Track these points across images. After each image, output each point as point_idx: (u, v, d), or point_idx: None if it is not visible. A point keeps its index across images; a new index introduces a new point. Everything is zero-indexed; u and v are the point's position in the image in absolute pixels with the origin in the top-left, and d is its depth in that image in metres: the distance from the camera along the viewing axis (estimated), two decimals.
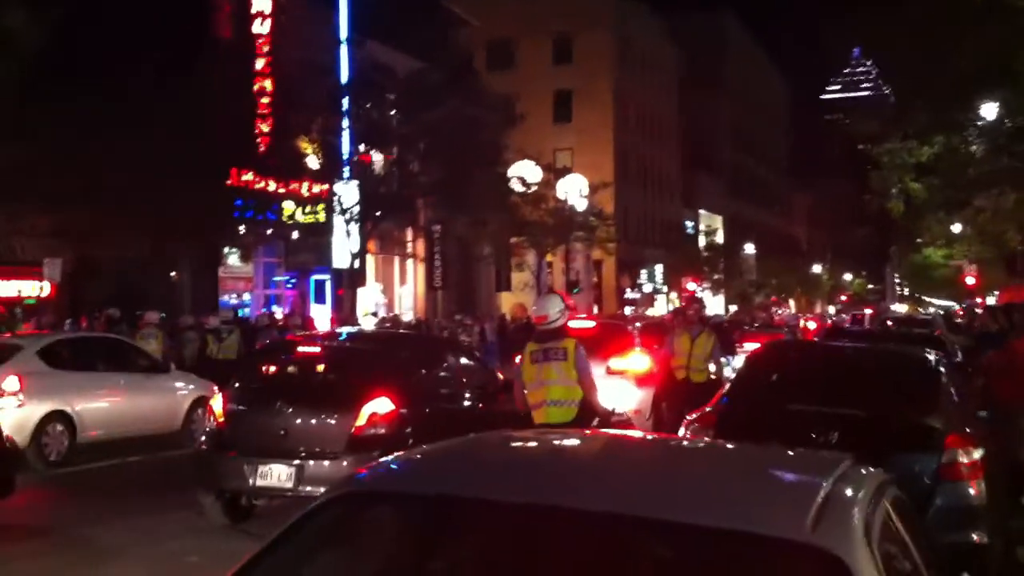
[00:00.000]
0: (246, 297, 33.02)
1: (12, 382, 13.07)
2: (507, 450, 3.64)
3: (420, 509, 3.02)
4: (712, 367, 12.44)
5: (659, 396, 12.92)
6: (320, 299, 34.50)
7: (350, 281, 32.22)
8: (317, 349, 11.10)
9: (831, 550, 2.55)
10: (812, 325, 40.05)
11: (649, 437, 4.84)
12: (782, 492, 3.06)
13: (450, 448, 3.50)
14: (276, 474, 9.02)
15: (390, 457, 3.45)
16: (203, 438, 10.03)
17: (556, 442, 3.99)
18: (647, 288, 62.64)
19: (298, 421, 9.31)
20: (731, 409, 7.82)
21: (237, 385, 10.22)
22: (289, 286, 34.91)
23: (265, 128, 30.08)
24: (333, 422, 9.23)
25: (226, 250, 31.44)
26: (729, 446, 4.35)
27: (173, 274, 30.35)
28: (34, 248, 24.93)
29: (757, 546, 2.66)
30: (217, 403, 9.96)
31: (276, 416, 9.30)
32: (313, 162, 31.11)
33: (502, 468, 3.27)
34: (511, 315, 36.43)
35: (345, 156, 31.39)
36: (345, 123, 30.91)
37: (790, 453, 3.83)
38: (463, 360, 11.67)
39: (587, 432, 6.46)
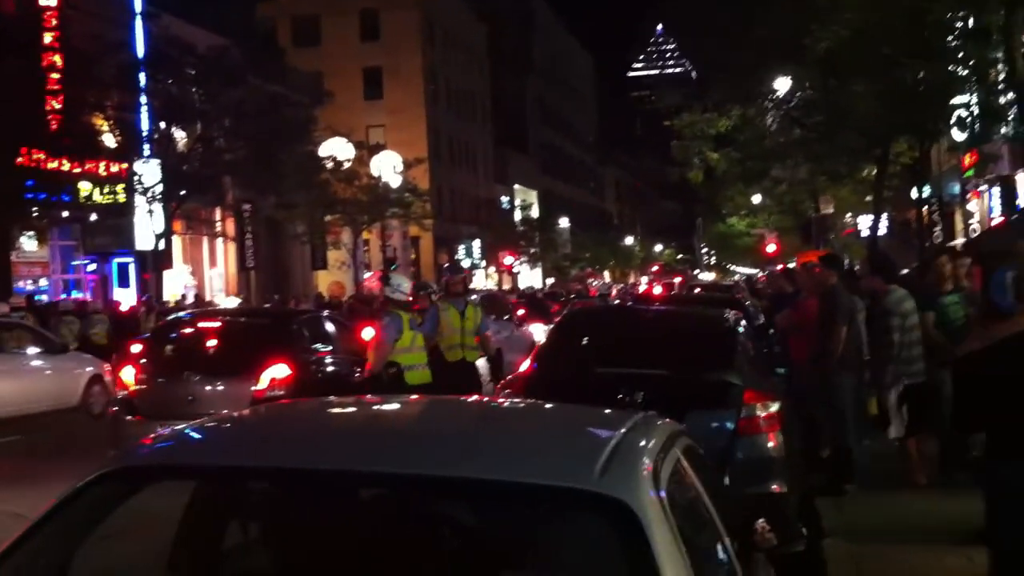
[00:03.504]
0: (43, 283, 31.36)
1: None
2: (298, 417, 3.52)
3: (195, 481, 2.88)
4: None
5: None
6: (124, 283, 33.12)
7: (155, 263, 31.04)
8: (217, 323, 12.47)
9: (617, 496, 2.57)
10: (659, 290, 40.87)
11: (454, 399, 4.78)
12: (573, 444, 3.08)
13: (232, 419, 3.36)
14: None
15: (168, 430, 3.26)
16: (114, 407, 11.24)
17: (355, 408, 3.88)
18: (465, 263, 62.99)
19: (205, 388, 10.56)
20: (539, 374, 7.87)
21: (145, 359, 11.32)
22: (89, 270, 33.37)
23: (56, 105, 28.55)
24: (236, 387, 10.32)
25: (18, 233, 29.80)
26: (530, 405, 4.35)
27: None
28: None
29: (548, 497, 2.69)
30: (127, 374, 11.07)
31: (183, 384, 10.51)
32: (110, 140, 29.79)
33: (285, 436, 3.15)
34: (328, 293, 35.91)
35: (144, 134, 30.16)
36: (143, 99, 29.68)
37: (588, 410, 3.84)
38: (339, 330, 12.86)
39: (403, 399, 6.38)
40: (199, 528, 3.31)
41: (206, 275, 39.42)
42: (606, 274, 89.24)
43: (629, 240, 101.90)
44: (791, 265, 18.10)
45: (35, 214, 29.26)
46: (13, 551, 2.79)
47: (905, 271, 19.37)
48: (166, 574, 3.35)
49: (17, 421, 14.90)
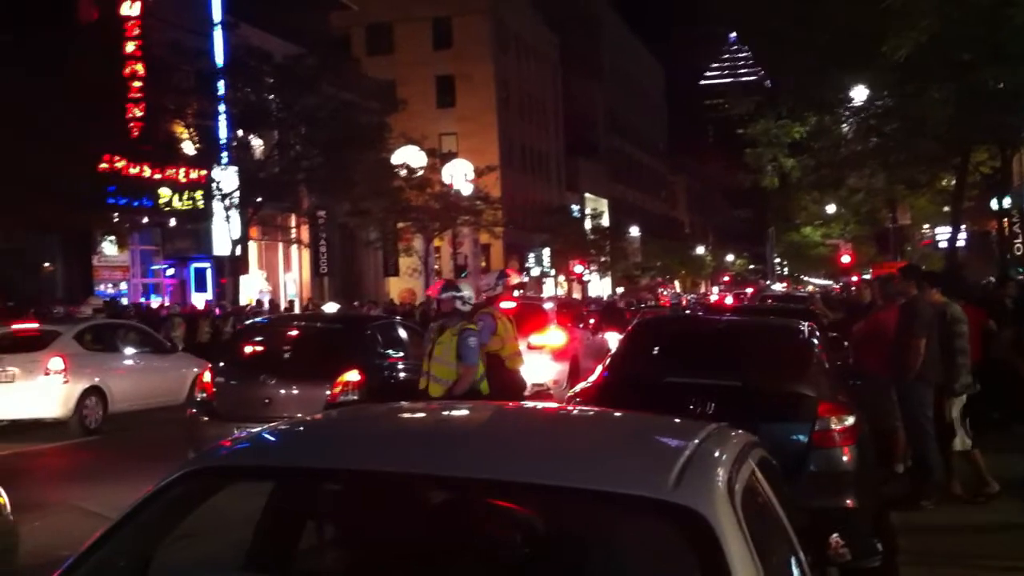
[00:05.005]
0: (123, 286, 32.09)
1: (57, 362, 15.31)
2: (370, 420, 3.57)
3: (271, 482, 2.94)
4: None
5: None
6: (201, 287, 33.74)
7: (232, 268, 31.58)
8: (293, 328, 13.15)
9: (692, 507, 2.56)
10: (730, 300, 40.44)
11: (525, 406, 4.80)
12: (648, 453, 3.07)
13: (307, 422, 3.41)
14: None
15: (246, 432, 3.32)
16: (193, 408, 11.35)
17: (426, 412, 3.92)
18: (535, 271, 62.99)
19: (280, 391, 10.73)
20: (610, 383, 7.84)
21: (222, 362, 11.77)
22: (168, 274, 34.06)
23: (138, 112, 29.23)
24: (310, 391, 10.51)
25: (100, 238, 30.55)
26: (602, 413, 4.35)
27: (46, 264, 29.47)
28: None
29: (621, 505, 2.68)
30: (206, 376, 11.41)
31: (259, 387, 10.71)
32: (189, 148, 30.41)
33: (359, 438, 3.19)
34: (399, 300, 36.19)
35: (222, 141, 30.71)
36: (221, 107, 30.24)
37: (661, 419, 3.83)
38: (411, 336, 12.88)
39: (475, 404, 6.42)
40: (275, 528, 3.37)
41: (280, 280, 39.98)
42: (676, 283, 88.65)
43: (700, 249, 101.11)
44: (867, 276, 17.83)
45: (116, 219, 29.94)
46: (95, 549, 2.85)
47: (983, 282, 18.97)
48: (243, 574, 3.41)
49: (130, 416, 16.11)
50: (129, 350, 17.37)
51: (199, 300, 31.54)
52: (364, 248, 42.96)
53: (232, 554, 3.58)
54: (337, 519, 3.29)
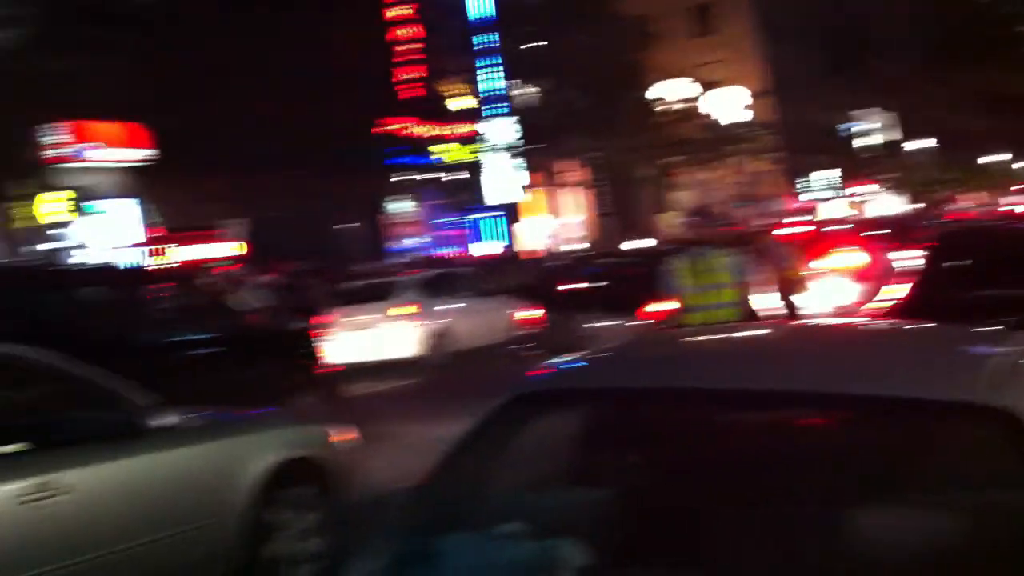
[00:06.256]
0: (412, 242, 33.70)
1: (411, 308, 17.43)
2: (685, 341, 3.65)
3: (601, 404, 3.07)
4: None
5: None
6: (487, 236, 34.89)
7: (515, 215, 32.51)
8: (598, 267, 16.17)
9: (1007, 409, 2.52)
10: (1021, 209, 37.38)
11: (829, 321, 4.74)
12: (958, 359, 3.02)
13: (628, 345, 3.53)
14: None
15: (567, 357, 3.48)
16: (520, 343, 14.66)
17: (737, 331, 3.97)
18: (819, 194, 60.97)
19: (596, 324, 12.29)
20: (915, 298, 7.57)
21: (542, 301, 13.86)
22: (454, 226, 35.40)
23: (411, 73, 30.39)
24: (621, 322, 11.57)
25: (385, 198, 32.13)
26: (907, 325, 4.26)
27: (337, 225, 31.28)
28: (210, 213, 26.12)
29: (933, 412, 2.65)
30: (530, 313, 15.21)
31: (578, 321, 12.19)
32: (465, 102, 31.35)
33: (676, 358, 3.28)
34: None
35: (496, 92, 31.47)
36: (493, 60, 30.93)
37: (969, 329, 3.72)
38: None
39: (770, 322, 6.42)
40: (595, 450, 3.50)
41: (562, 223, 40.72)
42: (970, 196, 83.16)
43: (991, 158, 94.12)
44: None
45: (398, 178, 31.36)
46: (435, 476, 3.06)
47: None
48: (566, 495, 3.56)
49: (467, 354, 17.53)
50: (462, 294, 18.98)
51: (486, 248, 32.66)
52: (635, 186, 42.98)
53: (553, 478, 3.75)
54: (656, 441, 3.39)
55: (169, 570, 5.47)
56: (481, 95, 31.50)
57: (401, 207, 33.21)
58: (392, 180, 31.60)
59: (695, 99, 41.83)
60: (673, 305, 10.41)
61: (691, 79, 42.99)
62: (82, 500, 4.98)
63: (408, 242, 33.08)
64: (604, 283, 12.95)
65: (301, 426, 6.72)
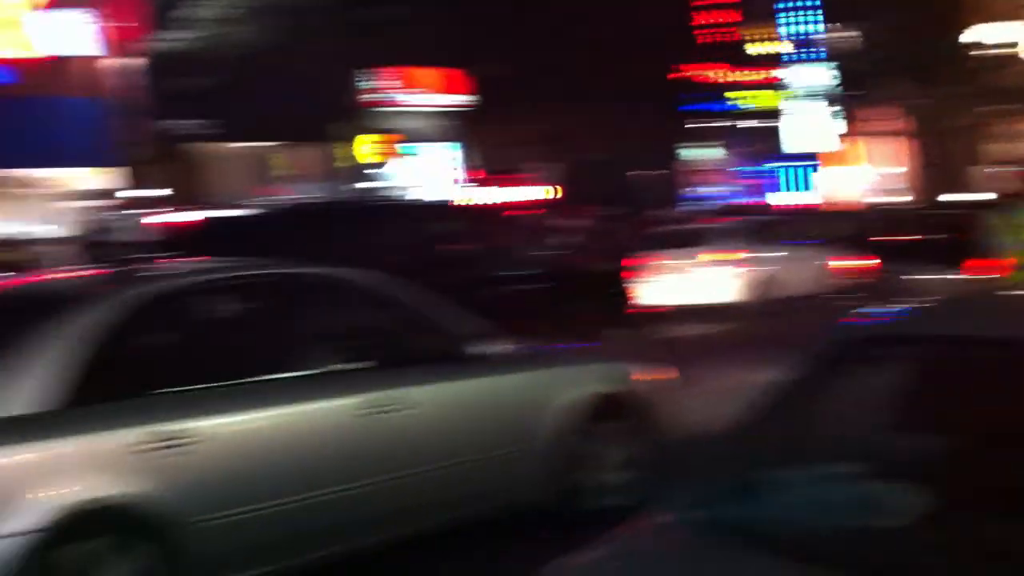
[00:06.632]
0: (707, 190, 33.36)
1: (742, 254, 17.94)
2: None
3: (938, 351, 3.08)
4: None
5: None
6: (788, 186, 34.04)
7: (829, 164, 31.49)
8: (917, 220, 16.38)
9: None
10: None
11: None
12: None
13: (960, 296, 3.49)
14: None
15: (889, 307, 3.49)
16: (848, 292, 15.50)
17: None
18: None
19: (920, 275, 12.59)
20: None
21: (868, 251, 15.53)
22: (753, 175, 34.72)
23: (715, 19, 29.94)
24: (946, 274, 11.68)
25: (679, 144, 31.92)
26: None
27: (632, 172, 31.47)
28: (523, 156, 27.07)
29: None
30: (860, 263, 16.06)
31: (901, 272, 12.98)
32: (769, 47, 30.57)
33: (1009, 309, 3.22)
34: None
35: (805, 35, 30.48)
36: (813, 1, 29.90)
37: None
38: None
39: None
40: (926, 397, 3.45)
41: (880, 174, 38.88)
42: None
43: None
44: None
45: (694, 125, 31.05)
46: (763, 414, 3.16)
47: None
48: (897, 441, 3.54)
49: (788, 301, 17.44)
50: (783, 243, 19.14)
51: (786, 198, 31.91)
52: (953, 137, 40.35)
53: (884, 421, 3.72)
54: (991, 391, 3.34)
55: (492, 487, 5.90)
56: (791, 39, 30.49)
57: (697, 154, 32.89)
58: (687, 127, 31.35)
59: (1015, 44, 38.48)
60: (1004, 261, 10.02)
61: (1014, 20, 39.60)
62: (424, 415, 5.48)
63: (702, 190, 32.75)
64: (927, 236, 12.67)
65: (610, 363, 6.96)
